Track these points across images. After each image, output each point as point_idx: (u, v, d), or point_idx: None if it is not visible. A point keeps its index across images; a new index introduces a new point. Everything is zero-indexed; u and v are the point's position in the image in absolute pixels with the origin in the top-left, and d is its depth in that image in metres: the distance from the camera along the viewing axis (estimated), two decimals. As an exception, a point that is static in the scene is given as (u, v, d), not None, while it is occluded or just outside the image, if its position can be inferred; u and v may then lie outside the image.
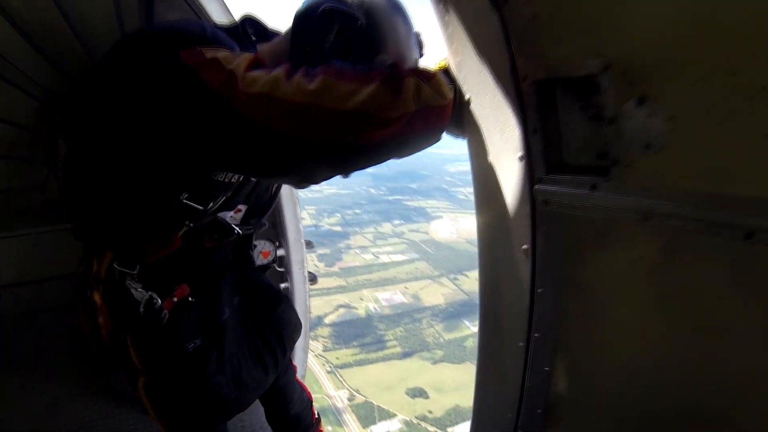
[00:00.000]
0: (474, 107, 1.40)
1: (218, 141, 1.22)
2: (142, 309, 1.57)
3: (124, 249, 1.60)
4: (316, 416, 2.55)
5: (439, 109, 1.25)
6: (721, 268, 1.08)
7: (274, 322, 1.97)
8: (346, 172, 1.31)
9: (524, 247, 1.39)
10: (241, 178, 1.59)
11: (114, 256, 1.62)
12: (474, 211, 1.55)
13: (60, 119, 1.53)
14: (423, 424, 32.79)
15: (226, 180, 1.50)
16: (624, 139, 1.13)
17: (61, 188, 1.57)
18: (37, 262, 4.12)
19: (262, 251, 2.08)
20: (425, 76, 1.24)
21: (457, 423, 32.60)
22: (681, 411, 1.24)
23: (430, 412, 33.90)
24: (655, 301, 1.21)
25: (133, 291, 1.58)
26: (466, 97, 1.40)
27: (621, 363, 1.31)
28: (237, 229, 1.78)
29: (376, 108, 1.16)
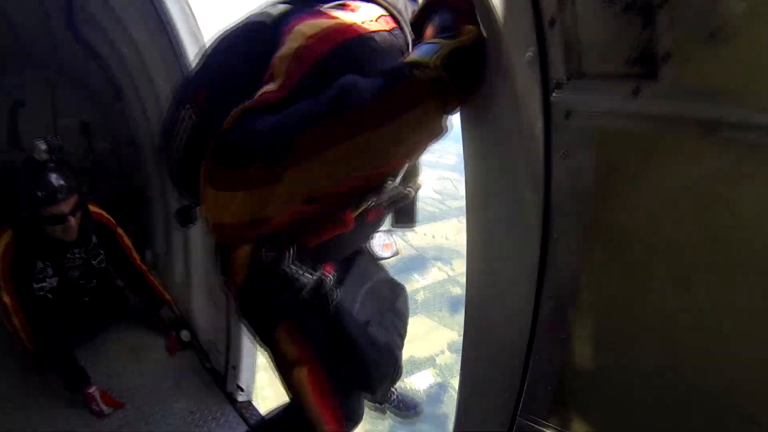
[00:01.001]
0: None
1: None
2: (306, 293, 1.38)
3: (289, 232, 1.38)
4: None
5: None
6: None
7: (398, 311, 1.86)
8: None
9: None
10: None
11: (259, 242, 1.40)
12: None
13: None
14: (380, 377, 33.92)
15: None
16: (679, 26, 0.80)
17: (182, 168, 1.42)
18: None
19: (385, 243, 1.86)
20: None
21: (413, 373, 33.81)
22: (735, 386, 0.97)
23: (386, 365, 35.09)
24: (712, 241, 0.92)
25: (296, 275, 1.37)
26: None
27: (662, 325, 1.02)
28: (408, 190, 1.54)
29: None
